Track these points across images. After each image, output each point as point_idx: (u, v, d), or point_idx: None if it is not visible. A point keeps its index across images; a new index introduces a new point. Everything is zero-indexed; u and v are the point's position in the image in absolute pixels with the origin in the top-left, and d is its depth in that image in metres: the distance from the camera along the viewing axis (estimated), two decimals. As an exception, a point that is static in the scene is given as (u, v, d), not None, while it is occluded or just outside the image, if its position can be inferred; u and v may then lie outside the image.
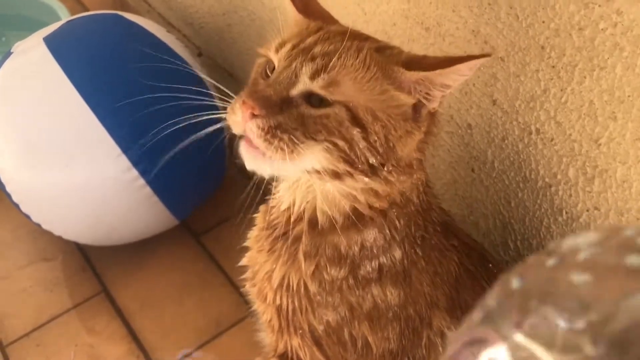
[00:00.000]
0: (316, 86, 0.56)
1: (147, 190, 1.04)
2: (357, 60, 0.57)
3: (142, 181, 1.03)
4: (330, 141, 0.56)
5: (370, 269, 0.66)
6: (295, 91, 0.56)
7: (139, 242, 1.16)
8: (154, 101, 1.06)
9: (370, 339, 0.68)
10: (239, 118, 0.56)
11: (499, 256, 0.87)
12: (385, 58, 0.58)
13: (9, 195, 1.06)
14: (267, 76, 0.59)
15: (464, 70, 0.56)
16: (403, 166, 0.60)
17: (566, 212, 0.74)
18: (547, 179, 0.74)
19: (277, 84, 0.56)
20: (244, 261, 0.76)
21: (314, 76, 0.56)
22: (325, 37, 0.59)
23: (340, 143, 0.56)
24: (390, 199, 0.63)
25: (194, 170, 1.13)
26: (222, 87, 1.26)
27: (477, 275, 0.70)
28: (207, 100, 1.14)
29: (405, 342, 0.68)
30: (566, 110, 0.68)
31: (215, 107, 1.16)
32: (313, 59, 0.56)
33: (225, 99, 0.61)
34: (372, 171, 0.58)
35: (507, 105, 0.74)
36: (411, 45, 0.83)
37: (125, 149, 1.00)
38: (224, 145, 1.20)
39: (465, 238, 0.72)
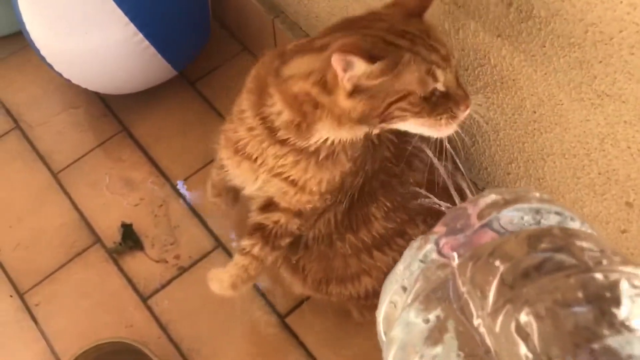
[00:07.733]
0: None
1: (151, 49, 1.32)
2: None
3: (146, 43, 1.30)
4: None
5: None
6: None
7: (147, 90, 1.45)
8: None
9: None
10: (463, 114, 0.80)
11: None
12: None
13: (43, 58, 1.33)
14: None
15: None
16: None
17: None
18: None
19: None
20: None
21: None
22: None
23: None
24: None
25: (186, 27, 1.40)
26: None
27: None
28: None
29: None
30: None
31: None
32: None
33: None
34: None
35: None
36: None
37: (132, 18, 1.26)
38: (207, 4, 1.46)
39: None
